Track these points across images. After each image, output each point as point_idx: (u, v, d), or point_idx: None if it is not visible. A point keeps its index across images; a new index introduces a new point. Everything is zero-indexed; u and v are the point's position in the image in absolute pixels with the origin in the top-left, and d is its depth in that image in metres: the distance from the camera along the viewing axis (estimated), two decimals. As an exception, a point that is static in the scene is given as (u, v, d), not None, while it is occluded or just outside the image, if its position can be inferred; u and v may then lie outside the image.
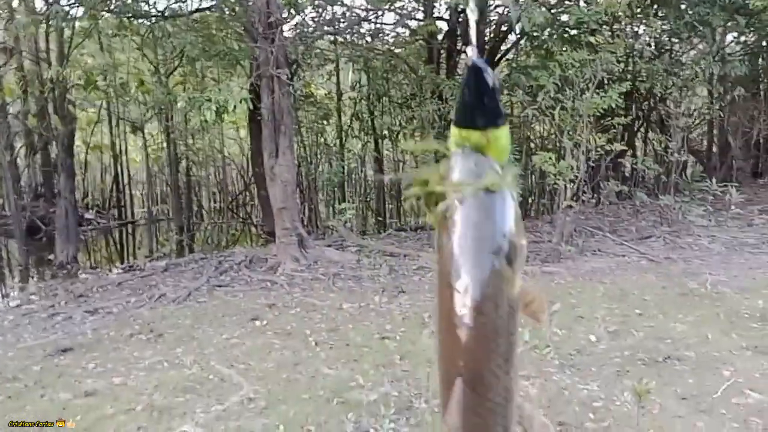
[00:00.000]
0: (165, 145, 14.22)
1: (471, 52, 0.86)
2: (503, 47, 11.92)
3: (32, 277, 9.63)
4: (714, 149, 15.63)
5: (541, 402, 4.14)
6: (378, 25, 11.19)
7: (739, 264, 7.72)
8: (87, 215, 14.67)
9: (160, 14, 9.93)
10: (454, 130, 0.89)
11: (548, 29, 9.55)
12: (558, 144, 10.29)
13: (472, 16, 0.93)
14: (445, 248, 0.86)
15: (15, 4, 9.93)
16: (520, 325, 0.87)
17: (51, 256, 10.26)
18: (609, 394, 4.23)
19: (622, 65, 12.11)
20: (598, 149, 8.23)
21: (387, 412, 3.67)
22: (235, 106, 6.80)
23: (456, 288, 0.82)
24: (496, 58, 11.76)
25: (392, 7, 9.85)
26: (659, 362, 4.77)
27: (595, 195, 10.58)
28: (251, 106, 7.66)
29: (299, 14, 9.25)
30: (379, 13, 10.43)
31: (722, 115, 12.47)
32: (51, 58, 11.04)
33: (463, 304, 0.81)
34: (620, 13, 8.41)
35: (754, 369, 4.56)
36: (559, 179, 8.00)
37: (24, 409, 4.32)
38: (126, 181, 16.46)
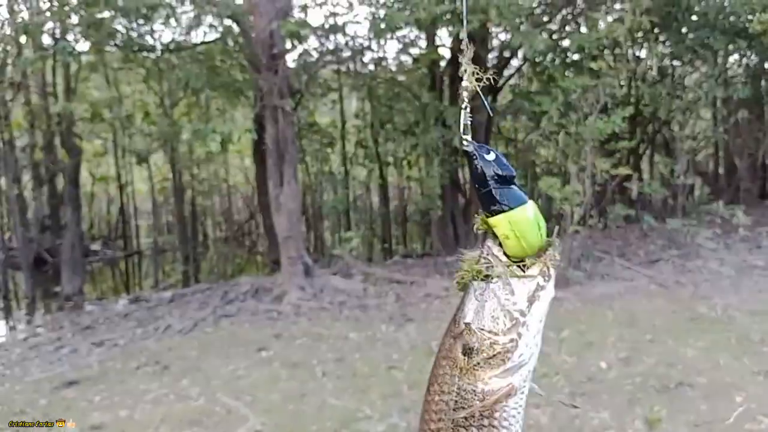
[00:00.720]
0: (170, 175, 14.29)
1: (464, 138, 0.86)
2: (506, 73, 12.01)
3: (39, 309, 9.62)
4: (720, 171, 15.60)
5: (551, 431, 4.07)
6: (381, 54, 11.31)
7: (748, 287, 7.64)
8: (93, 246, 14.71)
9: (164, 47, 10.07)
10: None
11: (550, 55, 9.61)
12: (563, 168, 10.29)
13: (465, 105, 0.93)
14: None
15: (22, 40, 10.07)
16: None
17: (57, 288, 10.26)
18: (621, 422, 4.17)
19: (624, 89, 12.17)
20: (604, 173, 8.22)
21: (395, 444, 3.62)
22: (239, 137, 6.84)
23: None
24: (499, 84, 11.84)
25: (394, 36, 9.95)
26: (671, 389, 4.70)
27: (602, 219, 10.54)
28: (255, 137, 7.70)
29: (302, 44, 9.34)
30: (382, 41, 10.53)
31: (727, 137, 12.47)
32: (57, 92, 11.18)
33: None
34: (621, 39, 8.46)
35: (766, 394, 4.49)
36: (565, 204, 7.98)
37: (29, 445, 4.28)
38: (132, 211, 16.51)
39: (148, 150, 13.40)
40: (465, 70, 0.92)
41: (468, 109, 0.93)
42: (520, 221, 0.86)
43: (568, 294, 7.70)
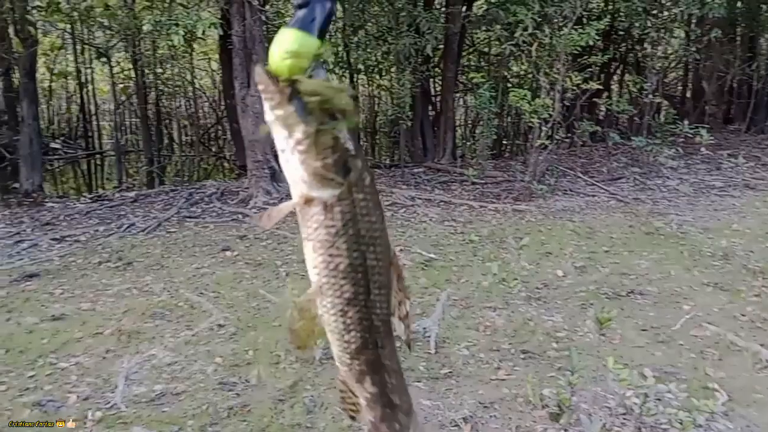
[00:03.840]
0: (133, 74, 13.77)
1: None
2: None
3: (-4, 205, 9.40)
4: (688, 94, 15.70)
5: (506, 332, 4.23)
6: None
7: (705, 205, 7.87)
8: (53, 144, 14.29)
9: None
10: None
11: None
12: (534, 84, 10.21)
13: None
14: None
15: None
16: None
17: (16, 185, 10.01)
18: (572, 325, 4.35)
19: (601, 3, 11.97)
20: (574, 88, 8.19)
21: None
22: (204, 31, 6.57)
23: None
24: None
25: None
26: (622, 296, 4.90)
27: (569, 135, 10.60)
28: (221, 32, 7.41)
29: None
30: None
31: (698, 57, 12.46)
32: (10, -22, 10.48)
33: None
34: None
35: (714, 304, 4.71)
36: (533, 117, 7.97)
37: (-11, 332, 4.29)
38: (93, 110, 15.99)
39: (107, 45, 12.84)
40: None
41: None
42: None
43: (530, 206, 7.83)
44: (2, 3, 8.76)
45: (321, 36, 1.00)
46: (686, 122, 8.75)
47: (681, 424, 2.83)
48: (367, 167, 1.06)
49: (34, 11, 9.84)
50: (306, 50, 0.98)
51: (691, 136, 8.51)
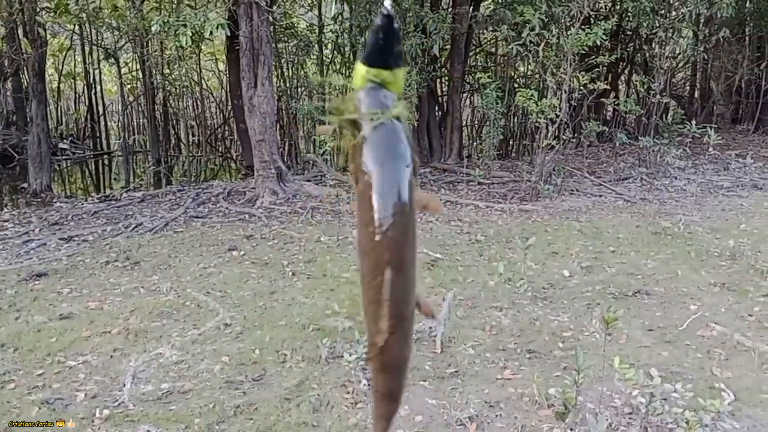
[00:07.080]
0: (140, 74, 13.84)
1: (387, 2, 0.99)
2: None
3: (5, 205, 9.47)
4: (696, 95, 15.64)
5: (512, 331, 4.23)
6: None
7: (712, 205, 7.85)
8: (61, 145, 14.37)
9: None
10: (362, 69, 1.01)
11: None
12: (541, 84, 10.20)
13: None
14: (359, 166, 0.98)
15: None
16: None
17: (24, 185, 10.09)
18: (578, 325, 4.34)
19: (609, 2, 11.94)
20: (581, 88, 8.18)
21: (361, 338, 3.72)
22: (211, 32, 6.59)
23: (378, 198, 0.96)
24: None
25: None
26: (629, 296, 4.89)
27: (576, 135, 10.57)
28: (228, 33, 7.44)
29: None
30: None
31: (706, 57, 12.41)
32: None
33: (387, 209, 0.96)
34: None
35: (720, 304, 4.69)
36: (540, 118, 7.96)
37: (-2, 331, 4.32)
38: (101, 111, 16.07)
39: (115, 46, 12.91)
40: None
41: None
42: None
43: (537, 207, 7.83)
44: (11, 4, 8.81)
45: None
46: (694, 122, 8.70)
47: (687, 423, 2.82)
48: None
49: (43, 12, 9.90)
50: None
51: (698, 136, 8.47)
